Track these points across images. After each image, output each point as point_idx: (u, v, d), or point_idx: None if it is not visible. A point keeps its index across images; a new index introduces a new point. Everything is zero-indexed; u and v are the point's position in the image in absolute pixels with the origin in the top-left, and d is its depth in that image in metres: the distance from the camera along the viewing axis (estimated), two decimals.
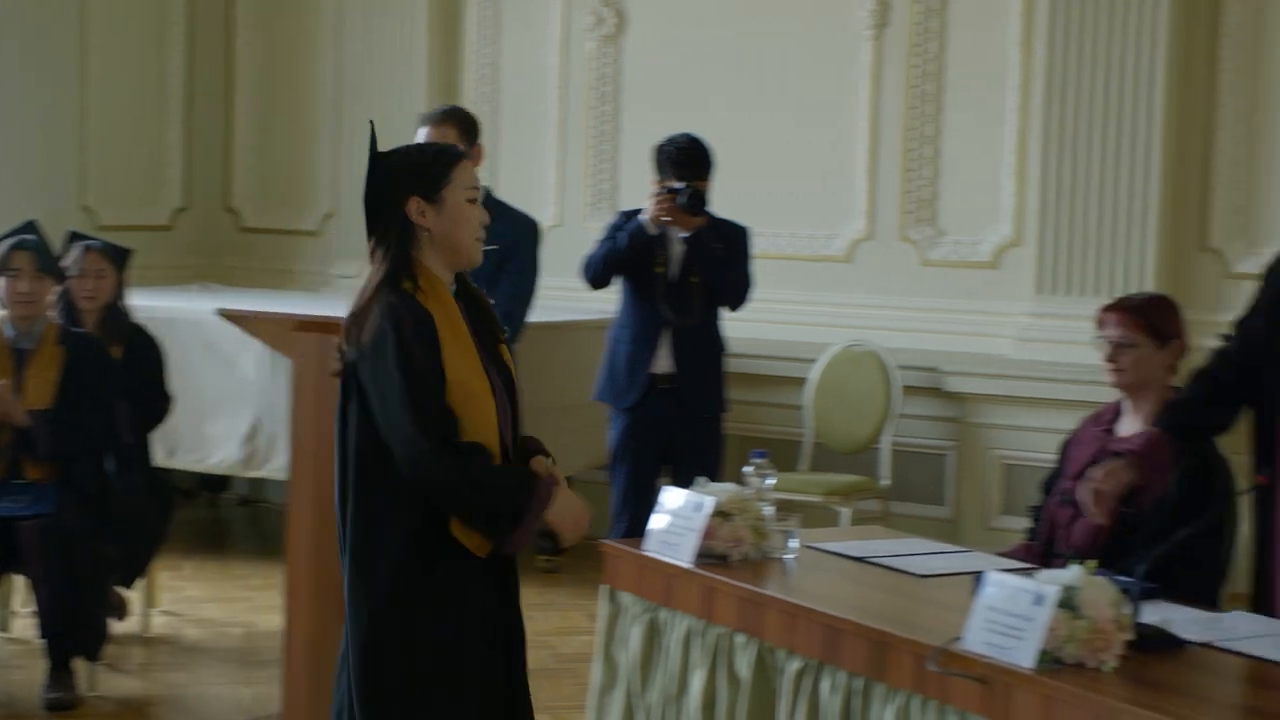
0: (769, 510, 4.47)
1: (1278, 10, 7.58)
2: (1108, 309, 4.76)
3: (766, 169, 8.71)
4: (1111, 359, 4.66)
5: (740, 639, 4.19)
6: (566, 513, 3.73)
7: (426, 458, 3.57)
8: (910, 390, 8.02)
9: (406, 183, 3.71)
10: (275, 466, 8.09)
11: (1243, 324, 4.40)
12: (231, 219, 10.83)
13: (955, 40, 8.35)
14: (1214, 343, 4.53)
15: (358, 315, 3.67)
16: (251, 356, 8.11)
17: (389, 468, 3.63)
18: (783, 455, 7.82)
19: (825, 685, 3.91)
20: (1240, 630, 3.81)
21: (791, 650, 4.03)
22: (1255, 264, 7.45)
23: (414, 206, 3.69)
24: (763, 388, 8.42)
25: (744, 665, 4.16)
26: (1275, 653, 3.62)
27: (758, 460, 4.57)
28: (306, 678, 5.02)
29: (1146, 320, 4.68)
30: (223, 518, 9.87)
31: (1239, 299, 7.71)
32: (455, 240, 3.73)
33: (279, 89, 10.57)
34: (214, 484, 9.94)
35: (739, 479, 4.57)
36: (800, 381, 8.24)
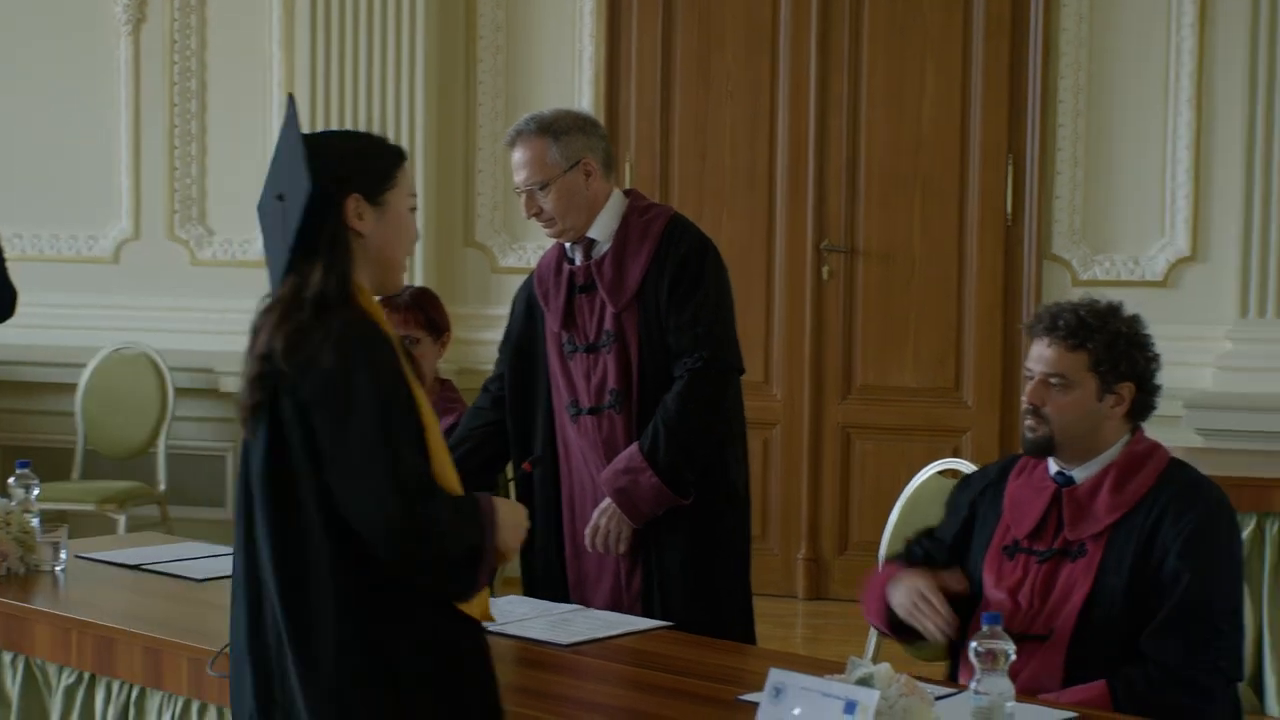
0: (35, 522, 4.32)
1: (527, 10, 7.89)
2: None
3: (21, 169, 8.39)
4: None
5: (7, 658, 4.05)
6: (510, 521, 3.05)
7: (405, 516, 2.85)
8: (185, 392, 7.87)
9: (347, 177, 3.02)
10: None
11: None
12: None
13: (216, 38, 8.26)
14: (488, 335, 4.66)
15: (295, 339, 2.95)
16: None
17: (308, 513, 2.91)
18: (55, 464, 7.59)
19: (100, 697, 3.84)
20: (514, 614, 3.94)
21: (64, 665, 3.92)
22: (518, 258, 7.79)
23: (352, 207, 3.01)
24: (30, 395, 8.11)
25: (12, 684, 4.04)
26: (544, 633, 3.78)
27: (21, 471, 4.45)
28: None
29: (425, 315, 4.80)
30: None
31: (509, 292, 8.02)
32: (391, 254, 3.06)
33: None
34: None
35: (2, 491, 4.41)
36: (71, 387, 7.94)
